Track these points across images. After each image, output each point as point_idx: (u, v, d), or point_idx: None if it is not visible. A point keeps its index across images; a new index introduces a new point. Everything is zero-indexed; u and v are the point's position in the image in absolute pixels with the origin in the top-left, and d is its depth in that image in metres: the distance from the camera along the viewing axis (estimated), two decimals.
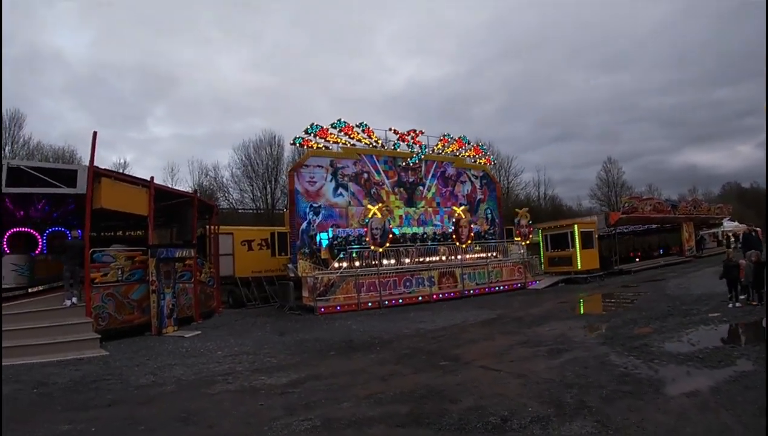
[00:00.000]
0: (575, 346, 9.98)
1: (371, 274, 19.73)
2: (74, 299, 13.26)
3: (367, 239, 20.51)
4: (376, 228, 20.47)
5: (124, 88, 76.11)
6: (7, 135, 46.37)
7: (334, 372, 8.99)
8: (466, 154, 27.81)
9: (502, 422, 5.81)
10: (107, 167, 14.66)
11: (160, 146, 73.43)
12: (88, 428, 6.52)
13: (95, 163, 13.83)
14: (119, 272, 14.25)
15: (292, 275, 20.34)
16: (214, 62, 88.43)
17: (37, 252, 19.57)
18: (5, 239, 20.13)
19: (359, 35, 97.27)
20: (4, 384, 9.22)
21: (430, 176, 26.12)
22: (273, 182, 52.68)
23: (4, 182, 13.21)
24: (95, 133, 14.04)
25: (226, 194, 49.91)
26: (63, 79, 70.75)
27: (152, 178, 15.76)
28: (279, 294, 21.81)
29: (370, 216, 20.57)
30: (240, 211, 49.14)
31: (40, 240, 20.33)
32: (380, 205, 21.84)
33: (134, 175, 16.35)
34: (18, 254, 17.51)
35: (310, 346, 11.91)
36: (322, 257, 20.93)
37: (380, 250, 20.48)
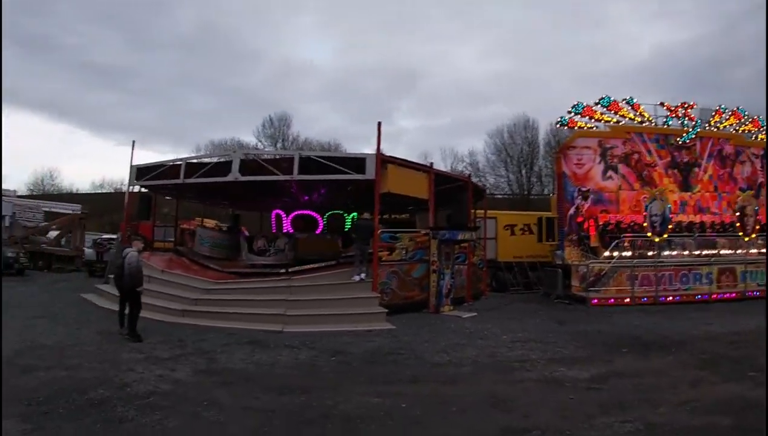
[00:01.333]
0: None
1: (646, 266, 18.43)
2: (363, 275, 14.27)
3: (645, 227, 19.27)
4: (656, 215, 19.12)
5: (371, 88, 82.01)
6: (278, 133, 57.51)
7: (636, 371, 8.51)
8: (745, 128, 23.79)
9: None
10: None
11: (408, 137, 78.09)
12: (397, 403, 6.80)
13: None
14: (403, 252, 15.07)
15: (559, 262, 19.86)
16: (451, 54, 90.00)
17: (318, 232, 21.55)
18: (289, 220, 22.52)
19: (595, 4, 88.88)
20: (302, 350, 10.13)
21: (706, 156, 22.97)
22: (528, 166, 52.27)
23: (296, 170, 14.85)
24: (380, 124, 15.10)
25: (482, 179, 50.36)
26: (317, 85, 78.94)
27: (431, 163, 16.40)
28: (544, 281, 21.30)
29: (649, 202, 19.37)
30: (498, 196, 49.39)
31: (320, 221, 22.27)
32: (661, 189, 20.42)
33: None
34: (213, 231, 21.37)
35: (596, 339, 11.41)
36: (591, 244, 20.15)
37: (659, 239, 19.15)
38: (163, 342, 10.45)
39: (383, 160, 14.66)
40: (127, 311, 10.96)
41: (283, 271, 15.15)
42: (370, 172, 14.42)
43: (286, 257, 17.42)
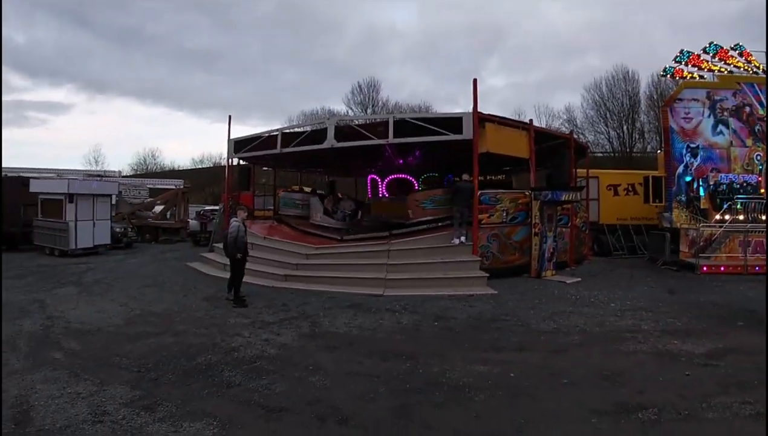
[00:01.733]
0: None
1: (760, 231, 16.81)
2: (462, 238, 14.13)
3: (761, 189, 17.72)
4: None
5: (457, 48, 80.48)
6: (367, 99, 58.43)
7: (754, 348, 7.74)
8: None
9: None
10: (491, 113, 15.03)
11: (498, 96, 76.31)
12: (505, 372, 6.65)
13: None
14: (504, 214, 14.66)
15: (667, 225, 18.85)
16: (539, 5, 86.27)
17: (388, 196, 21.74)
18: (384, 185, 22.58)
19: None
20: (404, 314, 10.11)
21: None
22: (630, 122, 49.97)
23: (391, 134, 14.83)
24: (475, 81, 14.65)
25: (581, 137, 48.49)
26: (403, 49, 78.54)
27: (531, 120, 15.92)
28: (650, 245, 20.25)
29: (764, 160, 17.93)
30: (598, 154, 47.61)
31: (415, 185, 22.15)
32: None
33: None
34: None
35: (709, 311, 10.55)
36: (701, 206, 18.94)
37: None
38: (268, 307, 10.75)
39: (481, 119, 14.30)
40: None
41: (338, 237, 15.63)
42: (467, 132, 14.12)
43: (358, 221, 17.50)
